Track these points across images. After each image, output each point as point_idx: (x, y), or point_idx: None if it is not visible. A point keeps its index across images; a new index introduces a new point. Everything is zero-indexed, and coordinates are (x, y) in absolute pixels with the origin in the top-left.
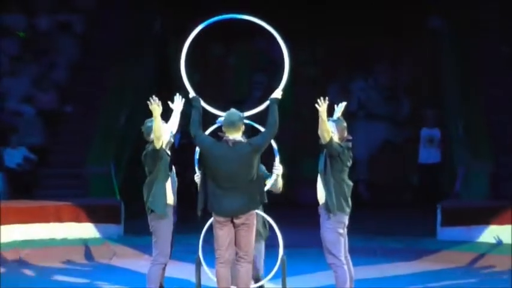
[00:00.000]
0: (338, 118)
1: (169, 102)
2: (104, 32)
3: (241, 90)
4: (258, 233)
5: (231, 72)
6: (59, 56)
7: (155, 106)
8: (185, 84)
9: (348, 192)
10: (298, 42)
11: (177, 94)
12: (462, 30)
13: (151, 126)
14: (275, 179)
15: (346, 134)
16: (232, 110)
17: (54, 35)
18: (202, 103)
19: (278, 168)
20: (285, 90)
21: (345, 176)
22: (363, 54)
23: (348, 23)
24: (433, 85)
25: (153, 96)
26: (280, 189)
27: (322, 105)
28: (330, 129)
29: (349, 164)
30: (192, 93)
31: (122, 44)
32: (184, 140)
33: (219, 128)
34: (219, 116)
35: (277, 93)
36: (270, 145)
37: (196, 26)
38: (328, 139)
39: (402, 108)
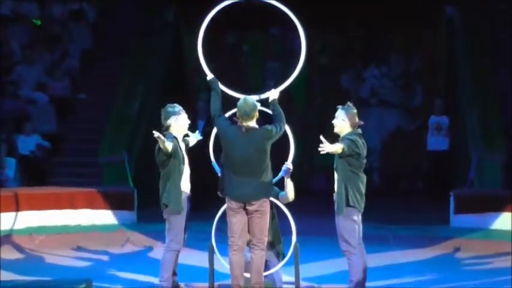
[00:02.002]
0: (348, 105)
1: (188, 132)
2: (116, 21)
3: (255, 78)
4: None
5: (245, 61)
6: (72, 44)
7: (160, 141)
8: (203, 66)
9: (363, 187)
10: (311, 31)
11: (196, 132)
12: (477, 19)
13: (170, 112)
14: (286, 186)
15: (357, 120)
16: (247, 97)
17: (67, 23)
18: (221, 86)
19: (288, 165)
20: (299, 79)
21: (360, 171)
22: (377, 43)
23: (361, 11)
24: (446, 74)
25: (154, 132)
26: (290, 199)
27: (325, 148)
28: (340, 145)
29: (365, 152)
30: (210, 76)
31: (135, 33)
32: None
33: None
34: (237, 100)
35: (275, 94)
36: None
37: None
38: (340, 151)
39: (415, 97)
